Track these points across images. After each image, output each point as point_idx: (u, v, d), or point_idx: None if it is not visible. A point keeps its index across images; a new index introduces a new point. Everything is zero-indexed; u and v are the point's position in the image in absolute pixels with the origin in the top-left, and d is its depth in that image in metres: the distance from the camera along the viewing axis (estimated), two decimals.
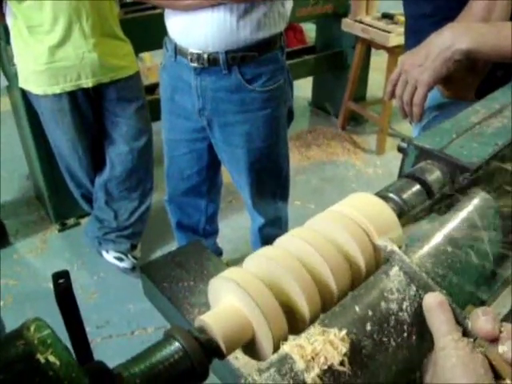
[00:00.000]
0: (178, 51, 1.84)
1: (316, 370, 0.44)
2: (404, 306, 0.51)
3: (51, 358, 0.38)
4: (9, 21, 2.16)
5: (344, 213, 0.58)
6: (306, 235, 0.55)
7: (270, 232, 2.29)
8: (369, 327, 0.49)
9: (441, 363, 0.46)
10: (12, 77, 2.47)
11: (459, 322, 0.48)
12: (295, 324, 0.52)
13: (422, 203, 0.66)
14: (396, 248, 0.54)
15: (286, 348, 0.46)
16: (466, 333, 0.47)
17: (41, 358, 0.38)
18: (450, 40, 0.98)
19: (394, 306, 0.51)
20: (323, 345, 0.45)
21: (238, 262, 2.78)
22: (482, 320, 0.46)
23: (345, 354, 0.45)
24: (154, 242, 2.94)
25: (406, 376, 0.50)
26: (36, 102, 2.29)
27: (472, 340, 0.46)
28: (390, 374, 0.49)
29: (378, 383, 0.48)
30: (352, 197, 0.61)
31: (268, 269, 0.52)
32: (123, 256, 2.70)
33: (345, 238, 0.55)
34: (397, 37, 3.23)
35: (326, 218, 0.57)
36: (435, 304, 0.49)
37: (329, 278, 0.52)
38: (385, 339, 0.49)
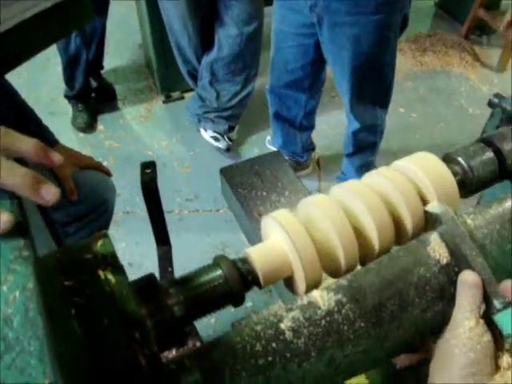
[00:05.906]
0: None
1: None
2: (439, 274, 0.53)
3: (109, 276, 0.45)
4: None
5: (406, 172, 0.59)
6: (360, 189, 0.57)
7: (363, 137, 2.28)
8: (397, 287, 0.52)
9: (445, 348, 0.49)
10: None
11: (488, 300, 0.50)
12: (333, 270, 0.56)
13: (491, 172, 0.64)
14: (443, 216, 0.55)
15: (315, 293, 0.51)
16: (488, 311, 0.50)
17: (101, 274, 0.45)
18: None
19: (428, 272, 0.53)
20: None
21: (329, 159, 2.79)
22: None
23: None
24: (251, 127, 2.99)
25: (424, 336, 0.54)
26: None
27: (487, 327, 0.48)
28: (408, 333, 0.52)
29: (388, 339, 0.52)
30: (418, 156, 0.61)
31: (314, 216, 0.56)
32: (219, 136, 2.80)
33: (396, 198, 0.57)
34: None
35: (384, 175, 0.59)
36: (470, 282, 0.51)
37: (372, 235, 0.55)
38: (410, 301, 0.52)
